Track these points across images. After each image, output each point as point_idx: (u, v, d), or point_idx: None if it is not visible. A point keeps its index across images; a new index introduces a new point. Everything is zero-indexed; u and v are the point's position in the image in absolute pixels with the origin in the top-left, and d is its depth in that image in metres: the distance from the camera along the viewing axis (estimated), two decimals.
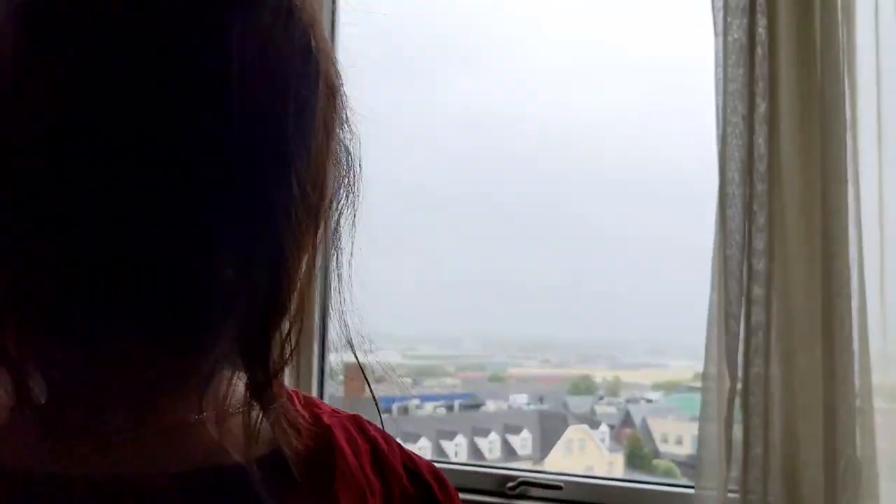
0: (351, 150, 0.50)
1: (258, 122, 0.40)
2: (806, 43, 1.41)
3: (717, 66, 1.50)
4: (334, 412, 0.50)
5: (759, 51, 1.44)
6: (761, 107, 1.43)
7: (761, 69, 1.43)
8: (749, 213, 1.46)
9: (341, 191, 0.49)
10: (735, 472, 1.47)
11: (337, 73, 0.47)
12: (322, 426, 0.47)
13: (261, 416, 0.43)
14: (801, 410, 1.41)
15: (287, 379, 0.47)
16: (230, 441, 0.42)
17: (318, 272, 0.47)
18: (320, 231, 0.46)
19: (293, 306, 0.44)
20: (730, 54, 1.47)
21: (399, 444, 0.51)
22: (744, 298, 1.47)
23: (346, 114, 0.49)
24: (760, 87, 1.43)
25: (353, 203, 0.51)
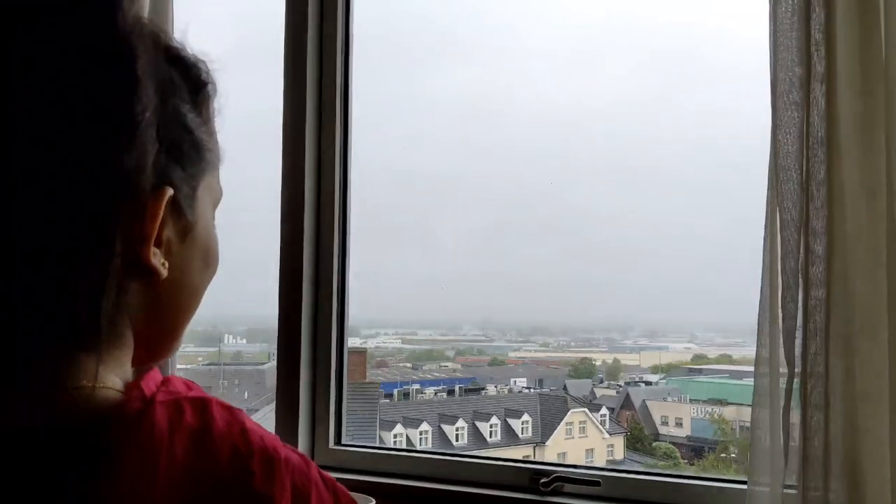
0: (188, 123, 0.56)
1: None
2: (867, 5, 1.32)
3: (770, 32, 1.40)
4: (184, 394, 0.53)
5: (815, 13, 1.35)
6: (818, 71, 1.35)
7: (817, 33, 1.34)
8: (806, 189, 1.36)
9: (176, 164, 0.54)
10: (793, 465, 1.37)
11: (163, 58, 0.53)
12: (142, 404, 0.50)
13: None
14: (864, 399, 1.31)
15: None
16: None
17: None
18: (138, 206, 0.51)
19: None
20: (782, 20, 1.39)
21: (245, 430, 0.52)
22: (801, 280, 1.37)
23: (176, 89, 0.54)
24: (816, 53, 1.35)
25: (195, 174, 0.57)
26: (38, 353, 0.49)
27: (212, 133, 0.60)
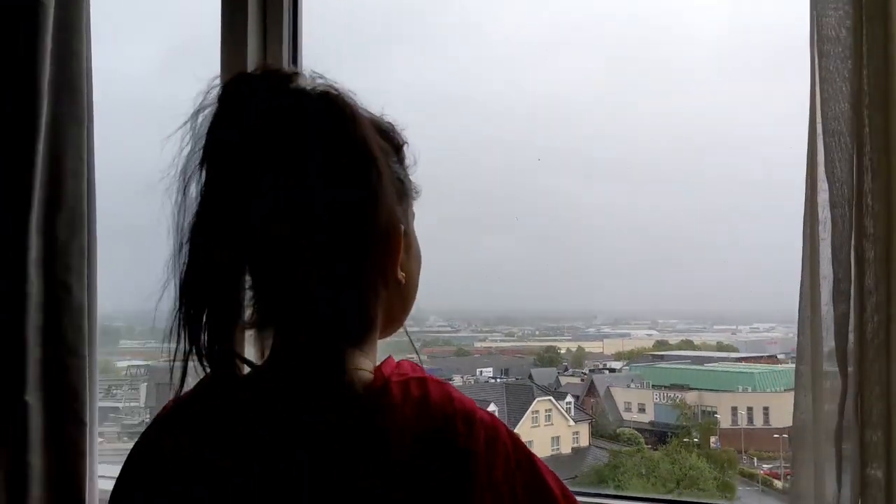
0: (400, 176, 0.81)
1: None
2: None
3: None
4: (411, 375, 0.74)
5: None
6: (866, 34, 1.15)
7: None
8: (859, 163, 1.16)
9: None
10: (847, 494, 1.17)
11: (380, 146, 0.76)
12: (382, 382, 0.73)
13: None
14: None
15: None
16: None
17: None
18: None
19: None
20: None
21: (452, 399, 0.72)
22: (853, 266, 1.18)
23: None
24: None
25: (407, 208, 0.84)
26: (332, 347, 0.74)
27: (408, 174, 0.83)
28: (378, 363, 0.77)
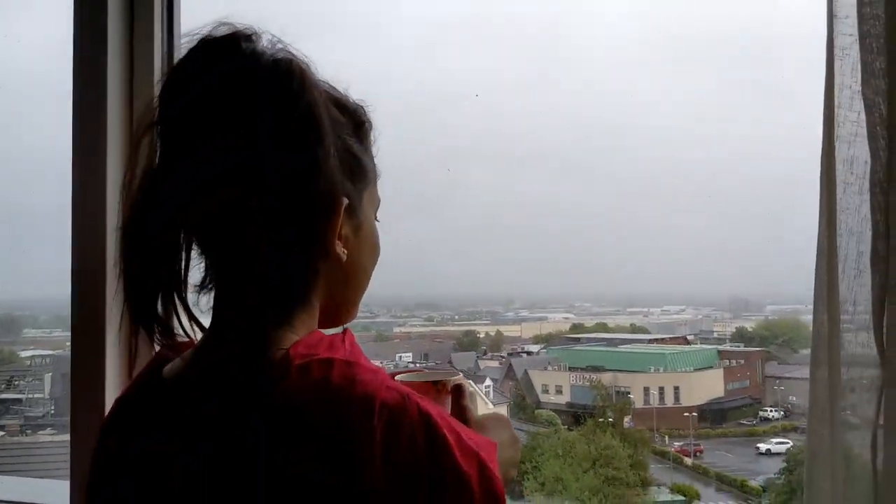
0: (354, 151, 0.83)
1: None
2: None
3: None
4: (318, 356, 0.75)
5: None
6: None
7: None
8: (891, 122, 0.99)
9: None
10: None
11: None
12: (286, 363, 0.74)
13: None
14: None
15: None
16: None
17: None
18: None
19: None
20: None
21: (354, 382, 0.71)
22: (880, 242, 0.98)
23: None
24: None
25: (361, 188, 0.87)
26: (254, 323, 0.73)
27: (371, 156, 0.86)
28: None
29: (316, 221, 0.77)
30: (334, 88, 0.83)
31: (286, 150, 0.73)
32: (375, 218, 0.89)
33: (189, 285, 0.80)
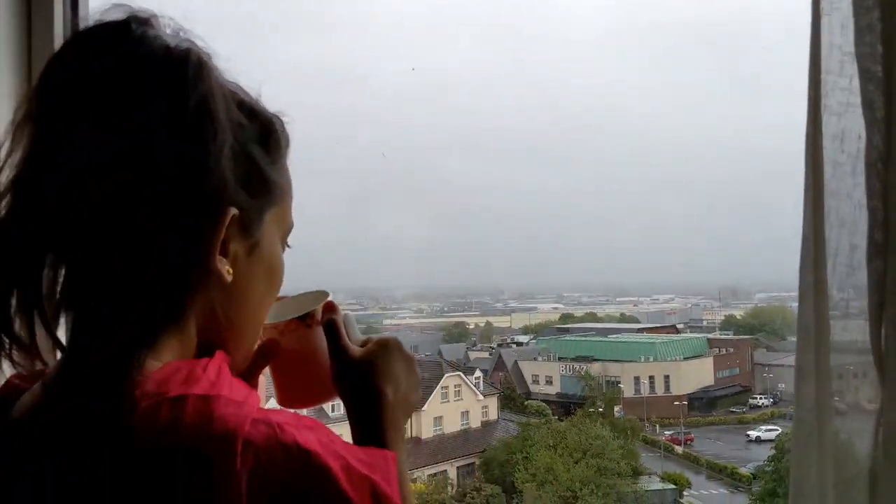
0: (256, 160, 0.69)
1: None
2: None
3: None
4: (170, 394, 0.59)
5: None
6: None
7: None
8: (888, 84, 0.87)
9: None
10: None
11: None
12: (132, 403, 0.58)
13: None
14: None
15: None
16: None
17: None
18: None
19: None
20: None
21: (213, 419, 0.57)
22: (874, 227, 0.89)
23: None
24: None
25: (263, 204, 0.71)
26: (106, 352, 0.59)
27: (281, 173, 0.72)
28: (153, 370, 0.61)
29: (194, 228, 0.63)
30: (244, 91, 0.71)
31: (170, 142, 0.62)
32: (285, 244, 0.77)
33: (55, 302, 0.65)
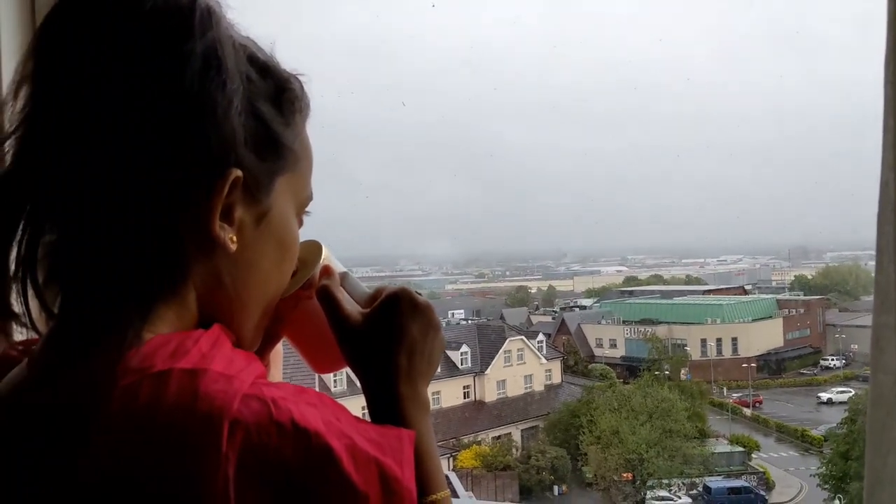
0: (265, 117, 0.61)
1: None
2: None
3: None
4: (152, 370, 0.53)
5: None
6: None
7: None
8: None
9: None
10: None
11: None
12: (111, 382, 0.52)
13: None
14: None
15: None
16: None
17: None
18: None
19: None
20: None
21: (197, 397, 0.51)
22: None
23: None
24: None
25: (274, 168, 0.63)
26: (92, 328, 0.54)
27: (296, 136, 0.64)
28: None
29: (191, 187, 0.57)
30: (257, 46, 0.64)
31: (172, 92, 0.56)
32: (302, 217, 0.69)
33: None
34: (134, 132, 0.55)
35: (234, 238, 0.60)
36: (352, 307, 0.70)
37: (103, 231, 0.55)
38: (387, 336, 0.68)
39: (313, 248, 0.72)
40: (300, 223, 0.69)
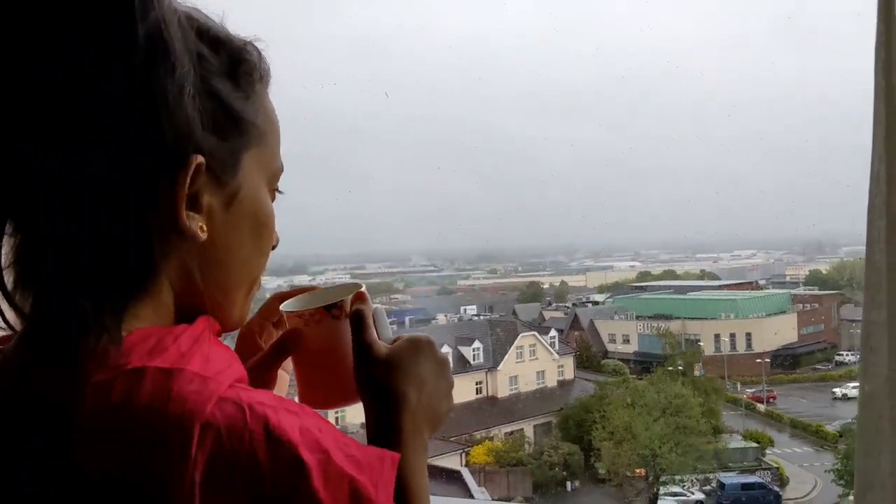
0: (222, 96, 0.58)
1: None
2: None
3: None
4: (127, 366, 0.51)
5: None
6: None
7: None
8: None
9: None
10: None
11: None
12: (80, 381, 0.51)
13: None
14: None
15: None
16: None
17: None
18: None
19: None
20: None
21: (170, 399, 0.49)
22: None
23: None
24: None
25: (237, 146, 0.60)
26: (61, 328, 0.52)
27: (259, 109, 0.61)
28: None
29: (152, 181, 0.54)
30: (206, 17, 0.60)
31: (117, 82, 0.52)
32: (275, 191, 0.66)
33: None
34: (83, 130, 0.52)
35: (204, 226, 0.58)
36: (381, 339, 0.70)
37: (66, 232, 0.53)
38: (403, 370, 0.68)
39: (355, 287, 0.73)
40: (273, 197, 0.67)
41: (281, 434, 0.51)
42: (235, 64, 0.61)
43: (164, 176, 0.55)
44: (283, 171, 0.67)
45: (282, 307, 0.73)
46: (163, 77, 0.53)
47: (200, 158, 0.56)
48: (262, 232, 0.64)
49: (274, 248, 0.67)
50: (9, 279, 0.56)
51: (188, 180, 0.56)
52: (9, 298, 0.56)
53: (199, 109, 0.56)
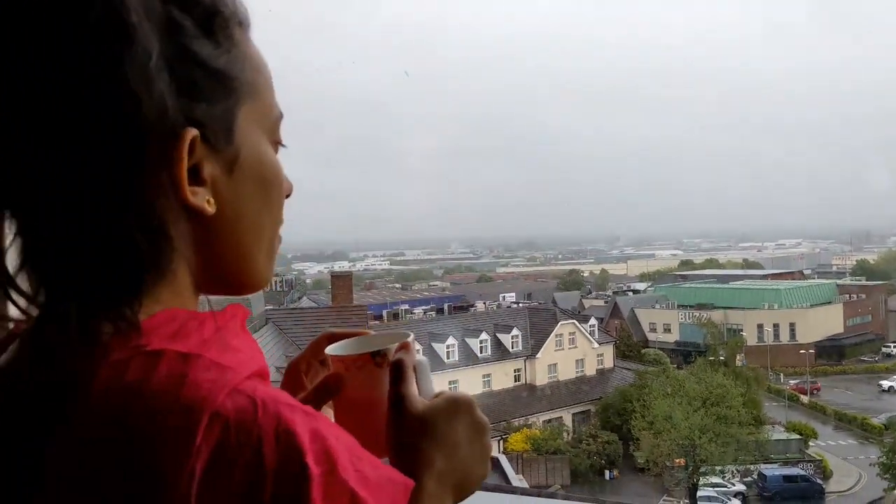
0: (200, 57, 0.55)
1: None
2: None
3: None
4: (146, 348, 0.51)
5: None
6: None
7: None
8: None
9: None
10: None
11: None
12: (96, 360, 0.50)
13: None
14: None
15: None
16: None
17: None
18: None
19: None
20: None
21: (184, 383, 0.48)
22: None
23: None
24: None
25: (228, 106, 0.57)
26: (72, 310, 0.51)
27: (241, 58, 0.58)
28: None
29: (146, 164, 0.52)
30: None
31: (79, 71, 0.50)
32: (278, 142, 0.64)
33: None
34: (58, 123, 0.51)
35: (211, 199, 0.56)
36: (416, 391, 0.65)
37: (69, 228, 0.52)
38: (435, 432, 0.63)
39: (403, 336, 0.70)
40: (276, 148, 0.63)
41: (290, 435, 0.49)
42: (210, 18, 0.57)
43: (158, 157, 0.52)
44: (282, 117, 0.64)
45: (327, 350, 0.71)
46: (124, 59, 0.50)
47: (194, 131, 0.53)
48: (270, 189, 0.61)
49: (288, 196, 0.64)
50: (16, 266, 0.54)
51: (185, 155, 0.53)
52: (16, 287, 0.54)
53: (179, 78, 0.53)
